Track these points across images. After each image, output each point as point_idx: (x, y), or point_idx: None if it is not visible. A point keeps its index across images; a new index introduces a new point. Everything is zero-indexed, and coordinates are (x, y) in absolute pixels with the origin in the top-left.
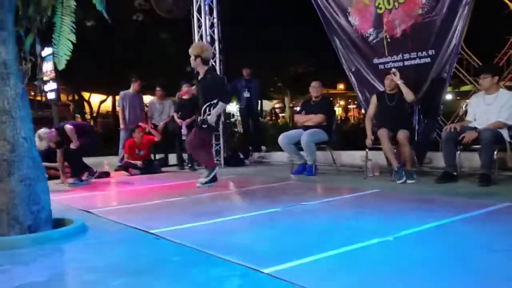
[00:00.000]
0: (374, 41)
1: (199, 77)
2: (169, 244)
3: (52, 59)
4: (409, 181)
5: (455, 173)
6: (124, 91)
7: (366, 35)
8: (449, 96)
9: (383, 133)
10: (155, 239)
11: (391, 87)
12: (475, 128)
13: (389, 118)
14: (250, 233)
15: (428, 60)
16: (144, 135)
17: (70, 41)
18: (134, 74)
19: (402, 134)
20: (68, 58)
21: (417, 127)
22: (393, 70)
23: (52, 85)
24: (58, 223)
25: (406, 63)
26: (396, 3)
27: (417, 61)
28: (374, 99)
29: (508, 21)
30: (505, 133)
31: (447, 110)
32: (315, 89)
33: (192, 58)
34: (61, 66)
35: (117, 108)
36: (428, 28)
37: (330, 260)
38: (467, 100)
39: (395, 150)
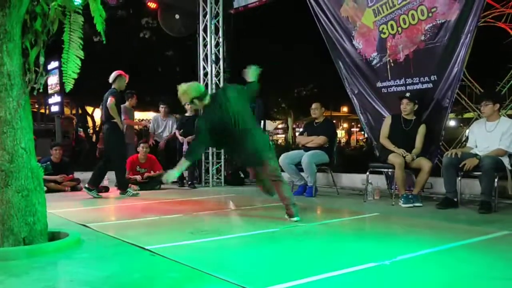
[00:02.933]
0: (378, 65)
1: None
2: (164, 260)
3: (57, 72)
4: (416, 205)
5: (455, 199)
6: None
7: (370, 59)
8: (452, 123)
9: (398, 160)
10: (151, 255)
11: (407, 111)
12: (476, 155)
13: (403, 143)
14: (247, 253)
15: (430, 85)
16: (148, 153)
17: (78, 57)
18: (140, 91)
19: (428, 164)
20: (76, 76)
21: None
22: (407, 94)
23: (56, 99)
24: (54, 236)
25: (409, 87)
26: (399, 29)
27: (419, 86)
28: (388, 121)
29: (510, 50)
30: (506, 160)
31: (449, 136)
32: (314, 111)
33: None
34: (69, 87)
35: None
36: (430, 54)
37: (324, 283)
38: (469, 130)
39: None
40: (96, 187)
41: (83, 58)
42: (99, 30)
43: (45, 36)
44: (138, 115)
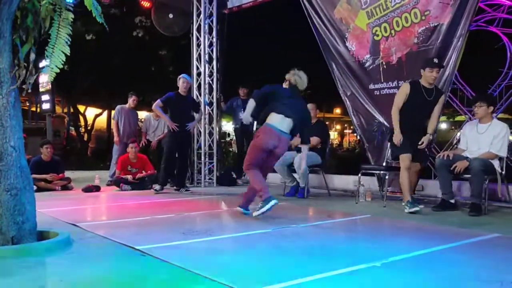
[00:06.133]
0: (370, 67)
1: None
2: (155, 261)
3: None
4: (420, 207)
5: (452, 201)
6: (121, 105)
7: (363, 61)
8: (443, 125)
9: (408, 162)
10: (141, 255)
11: (432, 80)
12: (467, 157)
13: (425, 116)
14: (238, 254)
15: None
16: (138, 152)
17: (64, 53)
18: (133, 90)
19: (418, 165)
20: (58, 71)
21: None
22: (435, 60)
23: (47, 97)
24: (43, 235)
25: None
26: (392, 31)
27: None
28: (406, 89)
29: (502, 54)
30: (496, 163)
31: (441, 139)
32: (311, 112)
33: None
34: (51, 77)
35: (112, 122)
36: (423, 56)
37: (315, 284)
38: (460, 132)
39: None
40: (181, 185)
41: (69, 54)
42: (100, 21)
43: (36, 33)
44: None
